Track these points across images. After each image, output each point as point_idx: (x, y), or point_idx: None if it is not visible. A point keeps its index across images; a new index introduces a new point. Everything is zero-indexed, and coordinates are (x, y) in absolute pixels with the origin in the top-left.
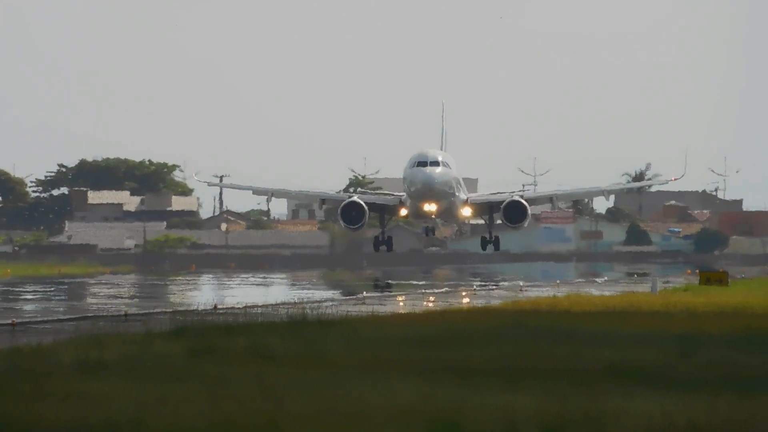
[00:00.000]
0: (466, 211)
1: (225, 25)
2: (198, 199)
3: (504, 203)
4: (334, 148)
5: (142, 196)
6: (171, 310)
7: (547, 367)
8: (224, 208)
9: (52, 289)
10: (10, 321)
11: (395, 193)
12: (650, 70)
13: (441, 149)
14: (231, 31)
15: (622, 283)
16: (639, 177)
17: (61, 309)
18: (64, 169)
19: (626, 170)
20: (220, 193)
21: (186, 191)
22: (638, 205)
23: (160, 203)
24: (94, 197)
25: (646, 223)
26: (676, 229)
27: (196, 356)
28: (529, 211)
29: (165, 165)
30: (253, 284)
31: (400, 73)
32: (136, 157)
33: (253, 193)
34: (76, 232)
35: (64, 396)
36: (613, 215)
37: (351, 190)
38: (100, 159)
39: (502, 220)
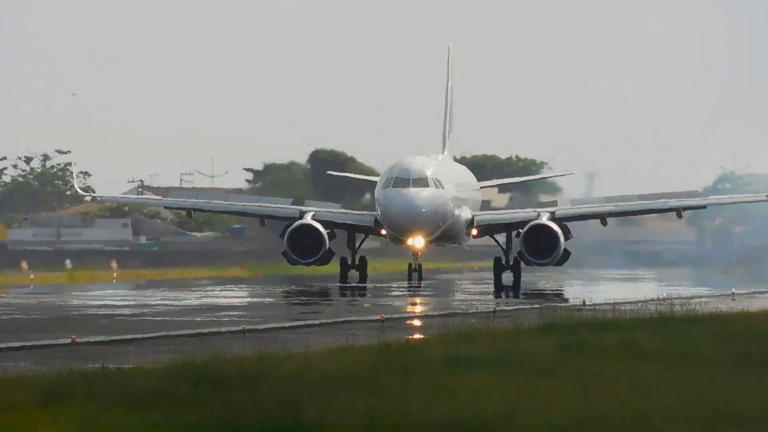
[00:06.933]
0: (473, 231)
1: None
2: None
3: (525, 228)
4: (702, 141)
5: (509, 193)
6: (539, 305)
7: None
8: None
9: (419, 284)
10: (379, 317)
11: (369, 213)
12: None
13: (446, 109)
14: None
15: None
16: None
17: (430, 305)
18: None
19: None
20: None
21: (554, 189)
22: None
23: (529, 201)
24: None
25: None
26: None
27: (565, 352)
28: (562, 239)
29: (533, 162)
30: (620, 279)
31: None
32: (504, 154)
33: (165, 207)
34: None
35: (434, 391)
36: None
37: (719, 187)
38: (469, 156)
39: (522, 252)
